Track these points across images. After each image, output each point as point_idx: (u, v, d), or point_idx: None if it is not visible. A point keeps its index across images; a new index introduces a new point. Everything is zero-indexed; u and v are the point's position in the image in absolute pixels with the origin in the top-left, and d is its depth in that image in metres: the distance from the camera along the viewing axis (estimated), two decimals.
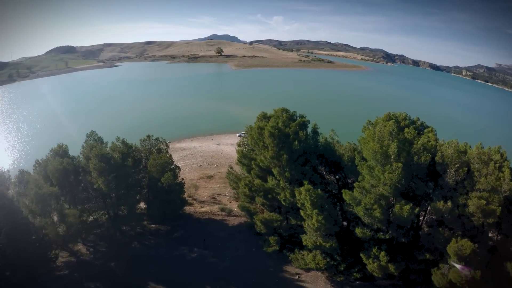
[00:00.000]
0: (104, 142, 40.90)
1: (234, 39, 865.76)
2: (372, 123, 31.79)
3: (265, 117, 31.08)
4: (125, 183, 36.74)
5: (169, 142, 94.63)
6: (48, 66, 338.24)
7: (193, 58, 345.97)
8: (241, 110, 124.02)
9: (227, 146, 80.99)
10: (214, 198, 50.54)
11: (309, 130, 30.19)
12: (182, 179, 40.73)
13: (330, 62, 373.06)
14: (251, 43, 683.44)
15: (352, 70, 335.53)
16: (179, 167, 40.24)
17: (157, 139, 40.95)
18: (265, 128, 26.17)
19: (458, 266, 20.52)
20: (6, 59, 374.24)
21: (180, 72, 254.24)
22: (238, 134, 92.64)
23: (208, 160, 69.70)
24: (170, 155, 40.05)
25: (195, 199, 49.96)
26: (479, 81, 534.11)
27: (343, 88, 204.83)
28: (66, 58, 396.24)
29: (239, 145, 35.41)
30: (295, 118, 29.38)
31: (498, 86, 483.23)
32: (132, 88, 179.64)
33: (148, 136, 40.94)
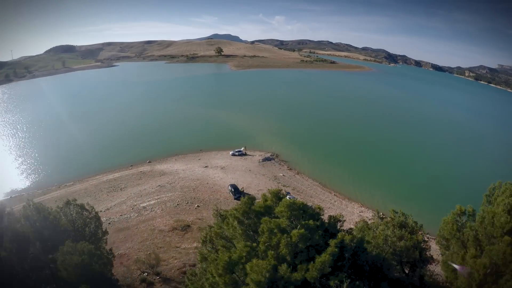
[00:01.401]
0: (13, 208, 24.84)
1: (236, 39, 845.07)
2: (472, 212, 15.80)
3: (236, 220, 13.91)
4: None
5: (149, 162, 78.90)
6: (46, 66, 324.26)
7: (192, 58, 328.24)
8: (236, 120, 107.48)
9: (215, 171, 64.72)
10: (185, 272, 34.42)
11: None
12: None
13: (333, 62, 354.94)
14: (252, 42, 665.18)
15: (356, 71, 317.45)
16: (111, 261, 23.75)
17: (82, 207, 24.61)
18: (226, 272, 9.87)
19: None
20: (6, 58, 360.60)
21: (176, 73, 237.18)
22: (231, 153, 76.52)
23: (188, 195, 53.41)
24: (104, 234, 23.75)
25: (157, 274, 33.90)
26: (482, 82, 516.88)
27: (351, 92, 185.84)
28: (65, 58, 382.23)
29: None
30: (309, 221, 12.58)
31: (502, 88, 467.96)
32: (121, 90, 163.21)
33: (68, 203, 24.61)
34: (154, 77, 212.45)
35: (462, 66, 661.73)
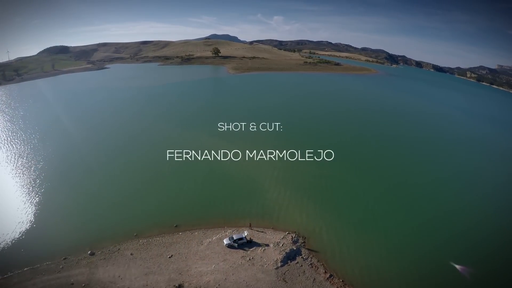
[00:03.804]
0: None
1: (234, 39, 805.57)
2: None
3: None
4: None
5: (90, 254, 36.64)
6: (36, 68, 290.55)
7: (187, 60, 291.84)
8: (232, 156, 73.43)
9: None
10: None
11: None
12: None
13: (338, 64, 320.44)
14: (251, 43, 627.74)
15: (364, 74, 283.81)
16: None
17: None
18: None
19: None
20: (3, 59, 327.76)
21: (166, 77, 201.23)
22: (225, 242, 42.04)
23: None
24: None
25: None
26: (484, 83, 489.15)
27: (379, 104, 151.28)
28: (57, 59, 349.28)
29: None
30: None
31: (505, 89, 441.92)
32: (93, 102, 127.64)
33: None
34: (139, 82, 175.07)
35: (461, 67, 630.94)
